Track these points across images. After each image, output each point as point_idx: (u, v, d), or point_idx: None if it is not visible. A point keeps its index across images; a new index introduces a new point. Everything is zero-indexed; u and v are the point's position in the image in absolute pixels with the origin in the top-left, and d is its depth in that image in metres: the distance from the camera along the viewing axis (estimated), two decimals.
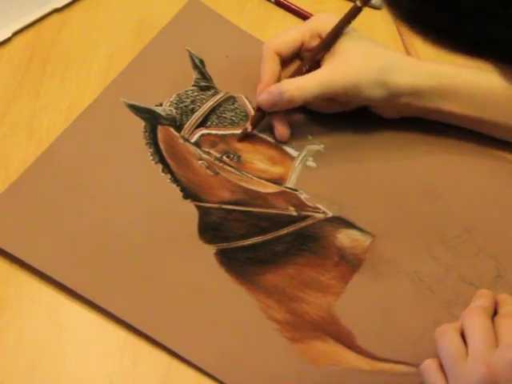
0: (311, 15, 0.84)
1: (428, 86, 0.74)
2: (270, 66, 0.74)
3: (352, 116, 0.77)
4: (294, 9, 0.86)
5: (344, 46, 0.73)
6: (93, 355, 0.63)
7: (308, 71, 0.73)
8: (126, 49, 0.80)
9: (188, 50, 0.80)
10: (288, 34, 0.75)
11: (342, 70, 0.72)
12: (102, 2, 0.84)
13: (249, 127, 0.74)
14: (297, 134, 0.76)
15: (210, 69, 0.80)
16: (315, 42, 0.74)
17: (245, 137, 0.75)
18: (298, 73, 0.74)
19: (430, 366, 0.61)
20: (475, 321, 0.61)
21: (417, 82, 0.73)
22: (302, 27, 0.75)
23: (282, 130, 0.74)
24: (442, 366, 0.60)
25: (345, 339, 0.65)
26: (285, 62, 0.75)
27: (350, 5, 0.73)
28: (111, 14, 0.83)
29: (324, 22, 0.74)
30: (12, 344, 0.63)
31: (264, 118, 0.75)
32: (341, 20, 0.73)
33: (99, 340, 0.64)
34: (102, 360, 0.63)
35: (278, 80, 0.74)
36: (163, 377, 0.63)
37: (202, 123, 0.75)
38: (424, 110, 0.76)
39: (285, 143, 0.75)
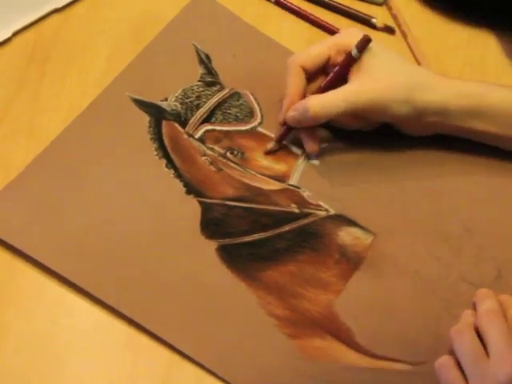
0: (311, 15, 0.85)
1: (458, 105, 0.72)
2: (296, 80, 0.73)
3: None
4: (293, 8, 0.86)
5: (370, 61, 0.72)
6: (93, 355, 0.64)
7: (334, 87, 0.72)
8: (125, 49, 0.80)
9: (194, 45, 0.80)
10: (315, 48, 0.74)
11: (368, 87, 0.71)
12: (102, 2, 0.84)
13: (275, 145, 0.74)
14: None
15: (216, 64, 0.80)
16: (341, 58, 0.73)
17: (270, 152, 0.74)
18: (323, 89, 0.73)
19: (447, 363, 0.62)
20: (495, 322, 0.62)
21: (446, 101, 0.72)
22: (329, 42, 0.74)
23: (311, 145, 0.74)
24: (458, 364, 0.61)
25: (344, 336, 0.66)
26: (310, 76, 0.74)
27: None
28: (111, 14, 0.83)
29: (351, 37, 0.73)
30: (12, 343, 0.63)
31: (290, 133, 0.74)
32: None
33: (99, 340, 0.65)
34: (102, 360, 0.64)
35: (304, 94, 0.73)
36: (163, 377, 0.63)
37: (207, 119, 0.75)
38: (454, 129, 0.74)
39: (290, 140, 0.75)
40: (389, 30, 0.86)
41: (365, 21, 0.86)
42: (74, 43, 0.80)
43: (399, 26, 0.87)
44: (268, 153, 0.74)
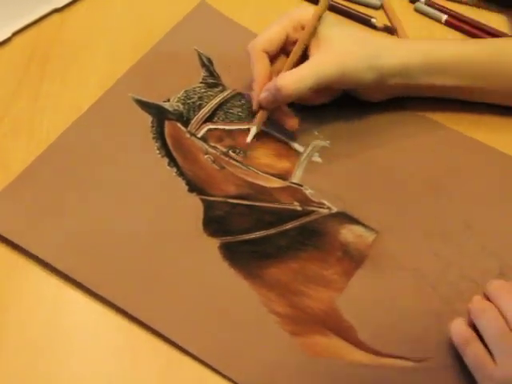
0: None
1: (416, 64, 0.75)
2: (261, 65, 0.74)
3: (359, 112, 0.78)
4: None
5: (327, 33, 0.73)
6: (92, 353, 0.64)
7: (297, 63, 0.73)
8: (125, 49, 0.81)
9: (196, 50, 0.81)
10: (271, 30, 0.75)
11: (333, 58, 0.72)
12: (102, 2, 0.85)
13: (253, 128, 0.74)
14: (303, 130, 0.76)
15: (217, 68, 0.81)
16: (299, 34, 0.74)
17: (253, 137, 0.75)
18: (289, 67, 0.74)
19: (470, 339, 0.62)
20: (510, 297, 0.63)
21: (405, 61, 0.74)
22: (283, 21, 0.75)
23: (290, 120, 0.75)
24: (481, 340, 0.62)
25: (346, 334, 0.65)
26: (272, 58, 0.75)
27: None
28: (111, 14, 0.84)
29: (304, 13, 0.74)
30: (12, 343, 0.63)
31: (267, 116, 0.75)
32: (317, 8, 0.73)
33: (99, 338, 0.64)
34: (102, 358, 0.64)
35: (270, 77, 0.74)
36: (163, 377, 0.63)
37: (209, 118, 0.76)
38: (414, 88, 0.77)
39: (293, 137, 0.75)
40: (388, 30, 0.86)
41: (364, 21, 0.87)
42: (74, 43, 0.81)
43: (395, 28, 0.87)
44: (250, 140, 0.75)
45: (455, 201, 0.73)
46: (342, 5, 0.88)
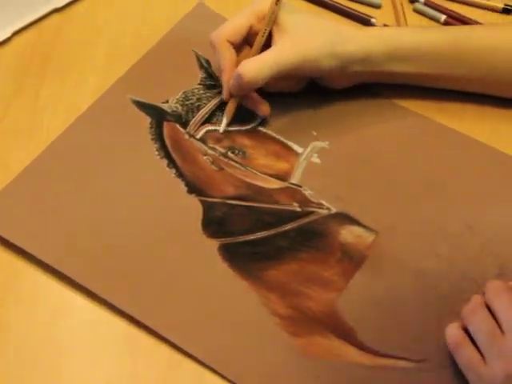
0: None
1: (378, 51, 0.75)
2: (227, 54, 0.74)
3: (358, 113, 0.78)
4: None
5: (290, 20, 0.74)
6: (93, 355, 0.63)
7: (261, 52, 0.74)
8: (125, 49, 0.81)
9: (194, 51, 0.81)
10: (234, 20, 0.75)
11: (294, 48, 0.73)
12: (102, 2, 0.85)
13: (224, 118, 0.75)
14: (301, 131, 0.76)
15: (216, 69, 0.80)
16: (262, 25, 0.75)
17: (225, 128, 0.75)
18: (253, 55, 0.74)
19: (462, 341, 0.62)
20: (505, 298, 0.62)
21: (366, 49, 0.75)
22: (246, 12, 0.75)
23: (262, 108, 0.76)
24: (472, 342, 0.62)
25: (346, 335, 0.65)
26: (236, 49, 0.75)
27: None
28: (111, 14, 0.84)
29: (267, 2, 0.74)
30: (12, 343, 0.63)
31: (236, 105, 0.75)
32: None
33: (99, 340, 0.64)
34: (102, 359, 0.63)
35: (237, 66, 0.74)
36: (163, 377, 0.63)
37: (208, 120, 0.76)
38: (376, 75, 0.78)
39: (291, 138, 0.75)
40: None
41: (364, 21, 0.87)
42: (74, 43, 0.81)
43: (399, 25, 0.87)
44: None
45: (455, 201, 0.73)
46: (341, 4, 0.88)
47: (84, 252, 0.67)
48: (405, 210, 0.72)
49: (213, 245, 0.68)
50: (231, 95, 0.75)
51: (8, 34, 0.80)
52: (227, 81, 0.74)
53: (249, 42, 0.76)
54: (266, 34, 0.74)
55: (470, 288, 0.68)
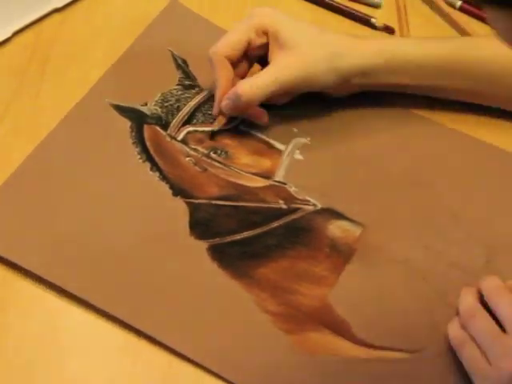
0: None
1: (376, 64, 0.75)
2: (223, 71, 0.73)
3: (337, 107, 0.78)
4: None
5: (290, 37, 0.73)
6: (93, 356, 0.63)
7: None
8: (125, 48, 0.80)
9: (170, 51, 0.80)
10: (233, 36, 0.74)
11: (293, 64, 0.72)
12: (102, 2, 0.84)
13: (214, 128, 0.75)
14: (282, 128, 0.76)
15: (193, 68, 0.80)
16: (261, 40, 0.74)
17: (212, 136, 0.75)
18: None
19: (464, 340, 0.63)
20: (506, 299, 0.63)
21: (364, 62, 0.74)
22: (245, 26, 0.74)
23: (260, 116, 0.75)
24: (475, 342, 0.62)
25: (340, 329, 0.66)
26: (234, 63, 0.75)
27: None
28: (111, 14, 0.84)
29: (266, 17, 0.74)
30: (12, 344, 0.63)
31: (226, 121, 0.75)
32: None
33: (99, 340, 0.64)
34: (102, 360, 0.63)
35: (233, 82, 0.73)
36: (163, 377, 0.63)
37: (188, 121, 0.75)
38: (375, 86, 0.77)
39: (273, 136, 0.75)
40: (388, 29, 0.87)
41: (364, 20, 0.87)
42: (73, 43, 0.80)
43: (400, 26, 0.88)
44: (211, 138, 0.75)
45: (441, 192, 0.74)
46: (341, 4, 0.88)
47: (70, 258, 0.66)
48: (390, 202, 0.73)
49: (201, 246, 0.68)
50: (221, 112, 0.74)
51: (8, 34, 0.79)
52: (220, 97, 0.73)
53: (247, 56, 0.76)
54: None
55: (459, 277, 0.68)
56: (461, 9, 0.90)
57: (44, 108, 0.75)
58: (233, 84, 0.73)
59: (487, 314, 0.63)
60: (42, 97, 0.76)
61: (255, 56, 0.76)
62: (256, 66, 0.77)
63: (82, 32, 0.81)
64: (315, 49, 0.73)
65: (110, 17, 0.83)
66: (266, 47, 0.75)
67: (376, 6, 0.89)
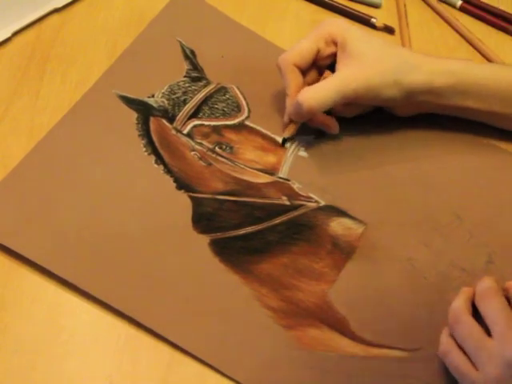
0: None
1: (442, 83, 0.73)
2: (293, 79, 0.73)
3: None
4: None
5: (356, 47, 0.73)
6: (93, 355, 0.64)
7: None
8: (125, 48, 0.80)
9: (179, 41, 0.81)
10: (302, 44, 0.74)
11: (357, 73, 0.72)
12: (102, 2, 0.84)
13: (285, 135, 0.75)
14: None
15: (201, 59, 0.80)
16: (330, 49, 0.74)
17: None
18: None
19: (451, 350, 0.63)
20: (494, 302, 0.63)
21: (431, 80, 0.73)
22: (315, 36, 0.74)
23: (328, 124, 0.75)
24: (460, 349, 0.62)
25: (339, 326, 0.66)
26: (304, 72, 0.75)
27: None
28: (111, 14, 0.84)
29: (336, 27, 0.74)
30: (12, 344, 0.63)
31: (297, 129, 0.75)
32: None
33: (99, 340, 0.64)
34: (102, 360, 0.64)
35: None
36: (163, 377, 0.63)
37: (194, 114, 0.75)
38: (441, 107, 0.76)
39: (278, 132, 0.75)
40: (388, 29, 0.87)
41: (364, 21, 0.87)
42: (74, 43, 0.81)
43: (401, 26, 0.88)
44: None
45: (444, 192, 0.74)
46: (341, 4, 0.88)
47: (74, 251, 0.67)
48: (393, 201, 0.73)
49: (204, 240, 0.68)
50: (292, 121, 0.75)
51: (8, 34, 0.79)
52: (290, 106, 0.73)
53: (317, 65, 0.76)
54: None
55: (460, 277, 0.69)
56: (461, 8, 0.90)
57: (44, 108, 0.75)
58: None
59: (472, 319, 0.63)
60: (42, 97, 0.76)
61: (324, 65, 0.76)
62: (328, 73, 0.77)
63: (81, 32, 0.81)
64: (381, 61, 0.73)
65: (110, 17, 0.83)
66: (334, 56, 0.75)
67: (376, 6, 0.89)
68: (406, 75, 0.72)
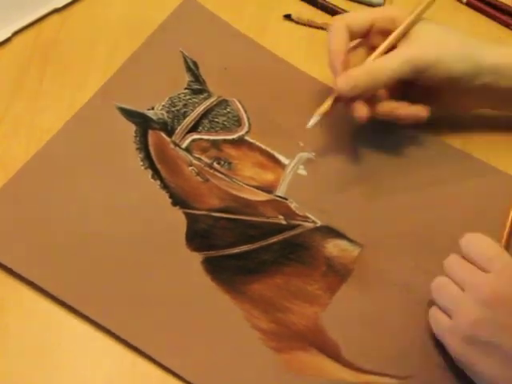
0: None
1: (510, 63, 0.71)
2: (339, 36, 0.71)
3: (343, 125, 0.76)
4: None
5: (420, 29, 0.71)
6: (93, 355, 0.64)
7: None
8: (125, 49, 0.80)
9: (182, 52, 0.80)
10: (360, 12, 0.74)
11: (424, 47, 0.70)
12: (102, 2, 0.84)
13: (316, 116, 0.71)
14: (288, 141, 0.75)
15: (204, 70, 0.79)
16: (385, 24, 0.72)
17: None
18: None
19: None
20: (456, 265, 0.65)
21: (500, 59, 0.71)
22: (374, 10, 0.74)
23: (361, 110, 0.71)
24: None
25: (330, 350, 0.65)
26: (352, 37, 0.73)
27: None
28: (111, 14, 0.83)
29: (397, 10, 0.72)
30: (12, 346, 0.63)
31: (330, 105, 0.71)
32: (420, 9, 0.72)
33: (99, 340, 0.64)
34: (102, 360, 0.64)
35: (346, 55, 0.71)
36: (163, 377, 0.63)
37: (194, 128, 0.75)
38: (503, 93, 0.73)
39: (278, 149, 0.74)
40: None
41: None
42: (74, 43, 0.80)
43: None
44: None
45: (442, 215, 0.72)
46: (340, 8, 0.86)
47: (66, 265, 0.66)
48: (391, 224, 0.72)
49: (196, 258, 0.68)
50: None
51: (8, 34, 0.79)
52: (335, 66, 0.71)
53: (367, 43, 0.73)
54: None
55: None
56: (468, 3, 0.87)
57: (44, 108, 0.75)
58: (345, 57, 0.71)
59: (450, 283, 0.64)
60: (42, 97, 0.76)
61: (374, 45, 0.73)
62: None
63: (82, 32, 0.81)
64: (447, 35, 0.71)
65: (110, 17, 0.83)
66: (387, 34, 0.72)
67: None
68: (475, 49, 0.71)
